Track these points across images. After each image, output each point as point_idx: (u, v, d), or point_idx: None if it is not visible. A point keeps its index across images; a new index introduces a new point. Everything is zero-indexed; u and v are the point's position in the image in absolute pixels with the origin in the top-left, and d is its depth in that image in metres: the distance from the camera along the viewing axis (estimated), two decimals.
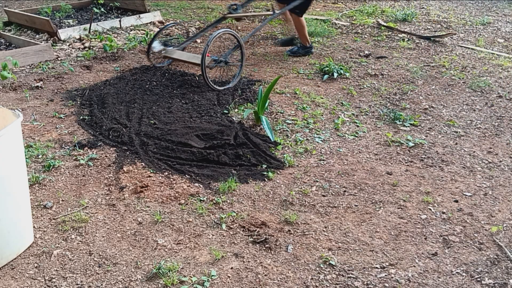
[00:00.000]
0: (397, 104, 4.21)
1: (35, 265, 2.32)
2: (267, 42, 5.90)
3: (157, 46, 4.65)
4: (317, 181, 3.05)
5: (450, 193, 2.96)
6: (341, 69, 4.83)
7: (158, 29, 4.70)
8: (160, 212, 2.71)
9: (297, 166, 3.21)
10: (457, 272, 2.33)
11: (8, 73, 4.25)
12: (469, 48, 5.78)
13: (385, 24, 6.65)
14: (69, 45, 5.57)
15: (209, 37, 4.30)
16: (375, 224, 2.66)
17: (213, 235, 2.55)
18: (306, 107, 4.07)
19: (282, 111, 3.97)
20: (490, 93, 4.47)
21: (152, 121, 3.71)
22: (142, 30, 6.22)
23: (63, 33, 5.73)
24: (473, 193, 2.96)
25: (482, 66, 5.18)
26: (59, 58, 5.15)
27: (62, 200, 2.80)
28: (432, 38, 6.05)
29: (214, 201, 2.81)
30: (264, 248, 2.46)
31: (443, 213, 2.76)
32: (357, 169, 3.19)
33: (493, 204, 2.86)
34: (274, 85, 3.78)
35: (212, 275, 2.26)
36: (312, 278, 2.27)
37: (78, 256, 2.38)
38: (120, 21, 6.25)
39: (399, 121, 3.87)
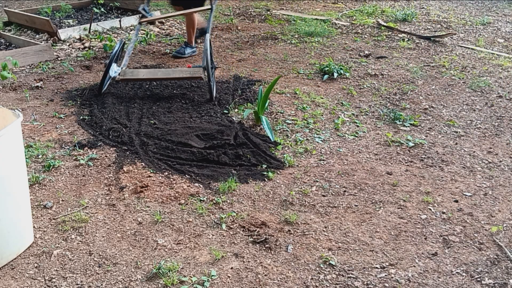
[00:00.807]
0: (397, 104, 4.22)
1: (35, 265, 2.32)
2: (267, 42, 5.90)
3: (116, 69, 4.06)
4: (317, 181, 3.05)
5: (450, 193, 2.96)
6: (341, 69, 4.83)
7: (111, 54, 4.10)
8: (160, 212, 2.71)
9: (297, 166, 3.21)
10: (457, 272, 2.33)
11: (8, 73, 4.25)
12: (469, 48, 5.79)
13: (385, 24, 6.65)
14: (69, 45, 5.57)
15: (204, 46, 4.05)
16: (375, 224, 2.66)
17: (213, 235, 2.55)
18: (306, 107, 4.07)
19: (282, 111, 3.97)
20: (490, 93, 4.47)
21: (152, 121, 3.71)
22: (142, 30, 6.22)
23: (63, 33, 5.73)
24: (473, 193, 2.96)
25: (482, 66, 5.18)
26: (59, 58, 5.15)
27: (62, 200, 2.81)
28: (432, 38, 6.06)
29: (214, 201, 2.81)
30: (264, 248, 2.46)
31: (443, 213, 2.76)
32: (357, 169, 3.19)
33: (493, 204, 2.86)
34: (274, 85, 3.77)
35: (212, 275, 2.26)
36: (312, 278, 2.27)
37: (78, 256, 2.38)
38: (120, 21, 6.25)
39: (399, 121, 3.87)
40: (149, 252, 2.41)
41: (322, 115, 3.94)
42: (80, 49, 5.48)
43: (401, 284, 2.25)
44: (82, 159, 3.20)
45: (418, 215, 2.74)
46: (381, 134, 3.68)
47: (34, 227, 2.55)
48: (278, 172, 3.13)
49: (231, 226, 2.61)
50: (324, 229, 2.61)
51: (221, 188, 2.91)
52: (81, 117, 3.81)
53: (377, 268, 2.34)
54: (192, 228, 2.59)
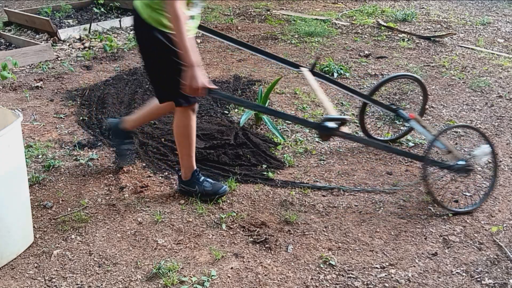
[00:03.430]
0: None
1: (35, 265, 2.32)
2: (267, 42, 5.90)
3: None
4: (317, 181, 3.05)
5: (450, 193, 2.96)
6: (341, 69, 4.83)
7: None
8: (160, 212, 2.71)
9: (297, 166, 3.21)
10: (457, 272, 2.33)
11: (8, 73, 4.25)
12: (469, 48, 5.79)
13: (385, 24, 6.65)
14: (69, 45, 5.57)
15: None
16: (375, 224, 2.66)
17: (213, 235, 2.55)
18: (306, 107, 4.07)
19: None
20: (490, 93, 4.47)
21: (152, 121, 3.71)
22: None
23: (63, 33, 5.73)
24: (473, 193, 2.96)
25: (482, 66, 5.18)
26: (59, 58, 5.15)
27: (62, 200, 2.81)
28: (432, 38, 6.05)
29: (214, 201, 2.80)
30: (264, 248, 2.46)
31: (443, 213, 2.76)
32: (357, 169, 3.19)
33: (493, 204, 2.86)
34: (274, 85, 3.77)
35: (212, 275, 2.26)
36: (312, 278, 2.27)
37: (78, 256, 2.38)
38: (120, 21, 6.25)
39: (399, 121, 3.86)
40: (149, 252, 2.41)
41: (322, 115, 3.93)
42: (80, 49, 5.48)
43: (401, 284, 2.25)
44: (82, 159, 3.20)
45: (418, 215, 2.74)
46: (381, 134, 3.68)
47: (34, 227, 2.55)
48: (278, 172, 3.13)
49: (231, 226, 2.61)
50: (324, 229, 2.61)
51: None
52: (81, 117, 3.80)
53: (377, 268, 2.34)
54: (192, 228, 2.59)
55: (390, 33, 6.35)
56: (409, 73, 3.60)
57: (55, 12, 6.70)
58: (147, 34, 2.46)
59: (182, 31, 2.27)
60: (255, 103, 3.24)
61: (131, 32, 6.12)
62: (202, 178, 2.80)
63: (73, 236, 2.52)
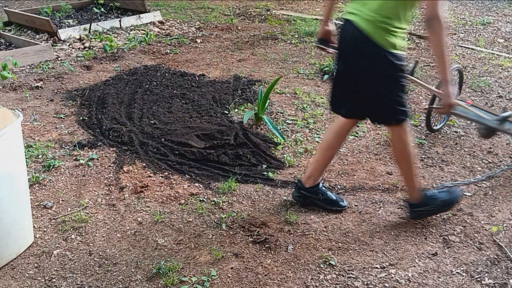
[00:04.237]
0: None
1: (35, 265, 2.32)
2: (267, 42, 5.90)
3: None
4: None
5: None
6: None
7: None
8: (160, 212, 2.71)
9: (297, 166, 3.21)
10: (457, 272, 2.33)
11: (8, 73, 4.25)
12: (469, 48, 5.78)
13: None
14: (69, 45, 5.57)
15: None
16: (375, 224, 2.66)
17: (213, 235, 2.55)
18: (306, 107, 4.07)
19: (282, 111, 3.97)
20: (490, 93, 4.47)
21: (152, 121, 3.71)
22: (142, 30, 6.22)
23: (63, 33, 5.73)
24: (473, 193, 2.96)
25: (482, 66, 5.18)
26: (59, 58, 5.15)
27: (62, 200, 2.81)
28: None
29: (214, 201, 2.81)
30: (264, 248, 2.46)
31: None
32: (357, 169, 3.19)
33: (493, 204, 2.86)
34: (274, 85, 3.77)
35: (212, 275, 2.26)
36: (312, 278, 2.27)
37: (78, 256, 2.38)
38: (120, 21, 6.25)
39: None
40: (149, 252, 2.41)
41: (322, 115, 3.93)
42: (80, 49, 5.48)
43: (401, 284, 2.25)
44: (82, 159, 3.20)
45: None
46: (381, 134, 3.68)
47: (34, 227, 2.55)
48: (278, 172, 3.13)
49: (231, 226, 2.61)
50: (324, 229, 2.61)
51: (221, 188, 2.91)
52: (81, 117, 3.81)
53: (377, 268, 2.34)
54: (192, 228, 2.59)
55: None
56: (457, 65, 4.03)
57: (55, 12, 6.70)
58: (378, 55, 2.37)
59: (445, 44, 2.22)
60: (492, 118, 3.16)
61: (131, 32, 6.12)
62: (427, 190, 2.73)
63: (73, 236, 2.52)
